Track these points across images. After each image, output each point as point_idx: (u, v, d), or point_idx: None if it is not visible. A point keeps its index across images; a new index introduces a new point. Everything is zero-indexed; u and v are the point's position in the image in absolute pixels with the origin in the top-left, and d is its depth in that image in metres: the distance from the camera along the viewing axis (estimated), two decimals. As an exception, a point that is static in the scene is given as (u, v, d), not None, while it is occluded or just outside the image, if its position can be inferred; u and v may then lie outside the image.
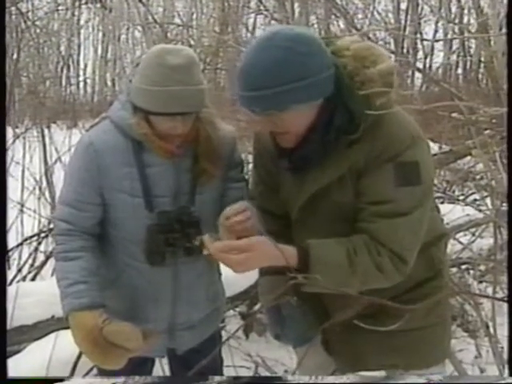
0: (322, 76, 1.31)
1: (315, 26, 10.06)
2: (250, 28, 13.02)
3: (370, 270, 1.36)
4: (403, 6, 15.18)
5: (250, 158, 1.70)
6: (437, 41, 14.97)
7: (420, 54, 15.03)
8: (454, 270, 3.13)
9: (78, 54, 18.75)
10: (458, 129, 4.20)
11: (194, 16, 12.63)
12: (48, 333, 2.27)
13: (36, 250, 3.66)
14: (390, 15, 15.19)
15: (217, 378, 1.30)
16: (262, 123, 1.39)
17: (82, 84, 18.42)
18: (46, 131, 4.95)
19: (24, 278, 3.42)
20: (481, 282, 3.39)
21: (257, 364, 2.71)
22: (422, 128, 1.45)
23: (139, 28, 9.61)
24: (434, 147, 3.99)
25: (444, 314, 1.60)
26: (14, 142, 4.57)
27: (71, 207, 1.59)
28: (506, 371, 1.68)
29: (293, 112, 1.33)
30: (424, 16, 14.40)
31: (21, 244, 3.66)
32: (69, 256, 1.56)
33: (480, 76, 10.90)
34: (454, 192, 4.43)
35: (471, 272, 3.39)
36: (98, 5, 10.95)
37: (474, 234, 3.47)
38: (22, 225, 4.14)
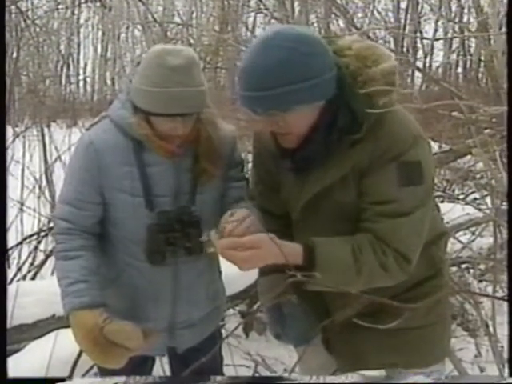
0: (325, 77, 1.31)
1: (315, 24, 10.06)
2: (250, 27, 13.04)
3: (375, 269, 1.36)
4: (403, 4, 15.20)
5: (250, 157, 1.70)
6: (437, 40, 14.98)
7: (420, 53, 15.06)
8: (454, 268, 3.13)
9: (78, 53, 18.78)
10: (458, 128, 4.20)
11: (194, 15, 12.65)
12: (48, 332, 2.27)
13: (36, 248, 3.65)
14: (390, 14, 15.20)
15: (218, 378, 1.30)
16: (263, 123, 1.38)
17: (81, 83, 18.44)
18: (45, 130, 4.94)
19: (24, 277, 3.42)
20: (481, 280, 3.39)
21: (256, 363, 2.71)
22: (422, 127, 1.45)
23: (139, 27, 9.61)
24: (434, 146, 3.99)
25: (444, 312, 1.60)
26: (13, 140, 4.56)
27: (71, 206, 1.59)
28: (506, 370, 1.69)
29: (295, 113, 1.32)
30: (424, 15, 14.42)
31: (20, 243, 3.66)
32: (69, 255, 1.56)
33: (480, 75, 10.92)
34: (454, 191, 4.43)
35: (471, 271, 3.39)
36: (98, 4, 10.95)
37: (473, 233, 3.47)
38: (22, 224, 4.14)
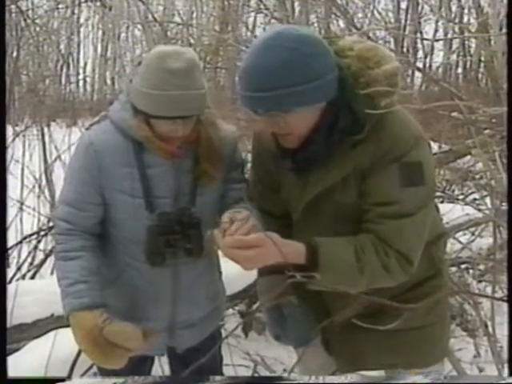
0: (327, 78, 1.30)
1: (315, 24, 10.07)
2: (250, 27, 13.04)
3: (377, 270, 1.35)
4: (403, 5, 15.20)
5: (250, 157, 1.70)
6: (437, 40, 14.97)
7: (420, 54, 15.05)
8: (454, 269, 3.13)
9: (78, 53, 18.78)
10: (457, 128, 4.21)
11: (194, 15, 12.65)
12: (47, 331, 2.26)
13: (35, 248, 3.65)
14: (390, 14, 15.19)
15: (217, 378, 1.30)
16: (264, 124, 1.37)
17: (81, 82, 18.44)
18: (45, 129, 4.94)
19: (23, 277, 3.41)
20: (480, 281, 3.39)
21: (256, 363, 2.71)
22: (422, 127, 1.45)
23: (139, 26, 9.60)
24: (434, 146, 3.99)
25: (443, 313, 1.60)
26: (13, 140, 4.56)
27: (71, 207, 1.58)
28: (506, 370, 1.68)
29: (296, 114, 1.32)
30: (424, 15, 14.40)
31: (20, 242, 3.65)
32: (69, 255, 1.56)
33: (480, 76, 10.91)
34: (453, 191, 4.43)
35: (470, 271, 3.39)
36: (98, 3, 10.94)
37: (473, 234, 3.47)
38: (22, 223, 4.14)
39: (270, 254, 1.30)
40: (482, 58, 9.54)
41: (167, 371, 1.98)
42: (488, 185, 3.09)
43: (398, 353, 1.51)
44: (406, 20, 14.69)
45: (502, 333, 2.31)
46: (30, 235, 3.69)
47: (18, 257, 3.67)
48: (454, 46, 13.63)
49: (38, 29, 9.64)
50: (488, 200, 3.15)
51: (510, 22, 1.54)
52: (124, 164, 1.55)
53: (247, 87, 1.31)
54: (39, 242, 3.65)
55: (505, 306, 1.56)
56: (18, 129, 5.21)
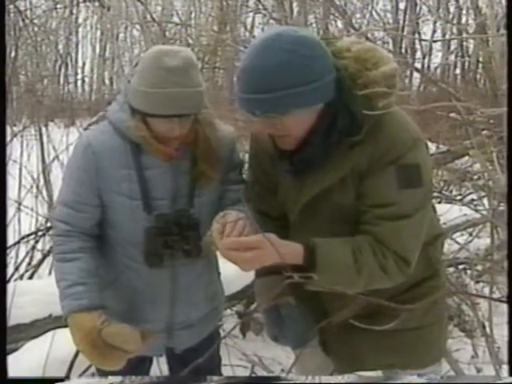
0: (325, 80, 1.30)
1: (313, 25, 10.08)
2: (249, 27, 13.05)
3: (375, 271, 1.36)
4: (402, 5, 15.23)
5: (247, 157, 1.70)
6: (435, 41, 14.97)
7: (418, 54, 15.05)
8: (451, 269, 3.13)
9: (76, 53, 18.74)
10: (455, 129, 4.21)
11: (193, 15, 12.65)
12: (45, 331, 2.26)
13: (33, 248, 3.64)
14: (389, 15, 15.23)
15: (215, 378, 1.30)
16: (262, 125, 1.37)
17: (79, 82, 18.42)
18: (43, 129, 4.93)
19: (21, 277, 3.41)
20: (478, 282, 3.39)
21: (253, 363, 2.71)
22: (420, 128, 1.45)
23: (137, 27, 9.60)
24: (432, 147, 4.00)
25: (441, 313, 1.60)
26: (11, 140, 4.55)
27: (69, 208, 1.58)
28: (503, 371, 1.69)
29: (294, 115, 1.31)
30: (422, 16, 14.44)
31: (18, 242, 3.64)
32: (67, 257, 1.55)
33: (478, 76, 10.92)
34: (451, 192, 4.43)
35: (468, 272, 3.40)
36: (96, 3, 10.95)
37: (471, 234, 3.47)
38: (20, 223, 4.13)
39: (268, 255, 1.30)
40: (480, 59, 9.56)
41: (165, 372, 1.98)
42: (486, 185, 3.10)
43: (396, 353, 1.51)
44: (404, 21, 14.71)
45: (499, 333, 2.32)
46: (28, 235, 3.69)
47: (15, 257, 3.67)
48: (452, 47, 13.68)
49: (36, 29, 9.64)
50: (485, 201, 3.15)
51: (509, 23, 1.54)
52: (122, 166, 1.55)
53: (244, 88, 1.30)
54: (37, 242, 3.65)
55: (502, 307, 1.57)
56: (15, 129, 5.20)
